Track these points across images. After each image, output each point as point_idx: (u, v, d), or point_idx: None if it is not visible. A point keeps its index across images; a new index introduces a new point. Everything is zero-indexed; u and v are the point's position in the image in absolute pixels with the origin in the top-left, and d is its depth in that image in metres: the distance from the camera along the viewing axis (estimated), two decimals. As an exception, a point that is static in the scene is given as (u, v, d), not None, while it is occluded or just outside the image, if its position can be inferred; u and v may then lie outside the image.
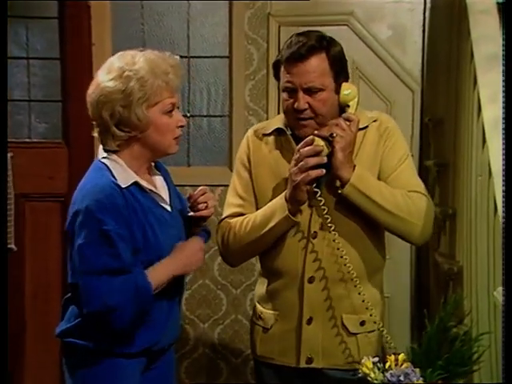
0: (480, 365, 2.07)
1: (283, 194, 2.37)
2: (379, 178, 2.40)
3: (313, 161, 2.29)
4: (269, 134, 2.52)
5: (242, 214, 2.51)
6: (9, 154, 3.85)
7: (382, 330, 2.36)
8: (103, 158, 2.24)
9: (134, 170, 2.23)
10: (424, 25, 3.96)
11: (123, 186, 2.17)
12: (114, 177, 2.18)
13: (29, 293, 4.03)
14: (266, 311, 2.52)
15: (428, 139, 3.90)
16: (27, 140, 4.08)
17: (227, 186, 4.07)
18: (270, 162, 2.49)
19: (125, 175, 2.20)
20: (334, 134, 2.31)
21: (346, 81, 2.43)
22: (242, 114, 4.07)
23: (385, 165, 2.42)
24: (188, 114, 4.13)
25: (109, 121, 2.17)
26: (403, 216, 2.33)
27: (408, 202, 2.34)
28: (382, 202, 2.32)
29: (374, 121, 2.46)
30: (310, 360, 2.43)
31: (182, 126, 2.26)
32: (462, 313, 2.33)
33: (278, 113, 4.03)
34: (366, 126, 2.44)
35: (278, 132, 2.50)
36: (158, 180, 2.37)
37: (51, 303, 3.96)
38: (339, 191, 2.33)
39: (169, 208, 2.32)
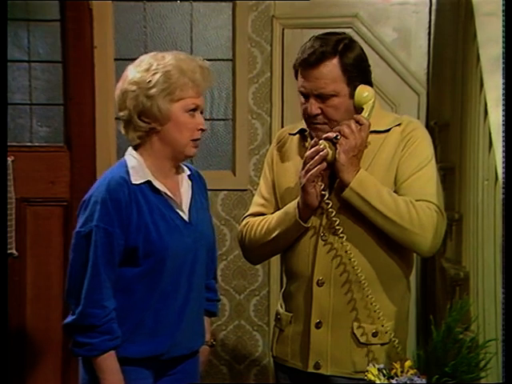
0: (487, 372, 2.04)
1: (298, 198, 2.35)
2: (394, 184, 2.36)
3: (314, 161, 2.28)
4: (294, 134, 2.51)
5: (263, 214, 2.51)
6: (10, 158, 3.84)
7: (394, 341, 2.30)
8: (127, 154, 2.32)
9: (154, 168, 2.28)
10: (430, 27, 3.94)
11: (134, 183, 2.23)
12: (128, 173, 2.24)
13: (30, 297, 4.00)
14: (283, 312, 2.52)
15: (434, 143, 3.86)
16: (29, 144, 4.06)
17: (231, 190, 4.12)
18: (293, 163, 2.47)
19: (140, 172, 2.26)
20: (338, 136, 2.28)
21: (367, 84, 2.37)
22: (246, 118, 4.05)
23: (400, 171, 2.36)
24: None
25: (132, 111, 2.23)
26: (404, 225, 2.27)
27: (412, 211, 2.27)
28: (381, 208, 2.27)
29: (398, 125, 2.40)
30: (317, 365, 2.39)
31: (202, 130, 2.30)
32: (469, 319, 2.30)
33: (282, 116, 4.02)
34: (388, 130, 2.39)
35: (301, 133, 2.49)
36: (184, 185, 2.37)
37: (52, 308, 3.95)
38: (341, 194, 2.31)
39: (185, 216, 2.32)
